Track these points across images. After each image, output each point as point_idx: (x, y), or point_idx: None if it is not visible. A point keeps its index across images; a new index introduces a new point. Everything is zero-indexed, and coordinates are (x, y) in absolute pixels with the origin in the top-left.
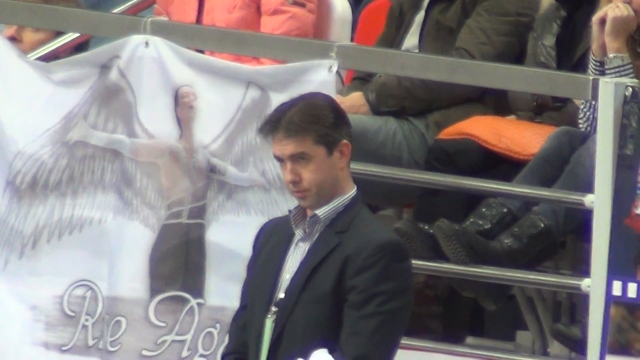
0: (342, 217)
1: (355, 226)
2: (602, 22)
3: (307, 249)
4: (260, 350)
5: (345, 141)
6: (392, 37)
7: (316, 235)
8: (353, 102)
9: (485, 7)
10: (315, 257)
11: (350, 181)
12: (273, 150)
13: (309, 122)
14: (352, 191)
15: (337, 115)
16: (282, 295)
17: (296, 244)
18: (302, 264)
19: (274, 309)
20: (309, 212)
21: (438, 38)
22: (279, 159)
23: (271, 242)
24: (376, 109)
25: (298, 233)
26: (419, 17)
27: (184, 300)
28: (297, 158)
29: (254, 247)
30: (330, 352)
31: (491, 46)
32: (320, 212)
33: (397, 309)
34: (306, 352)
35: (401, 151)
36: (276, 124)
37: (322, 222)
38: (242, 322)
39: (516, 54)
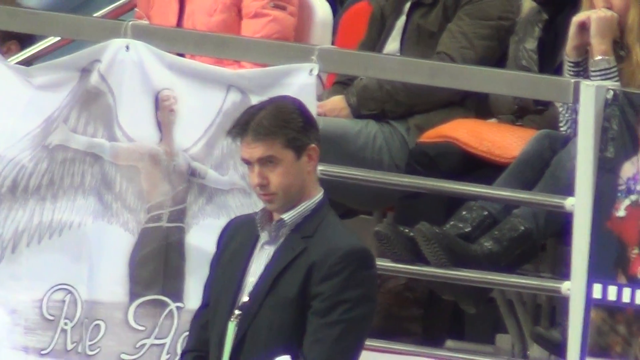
0: (308, 222)
1: (321, 231)
2: (582, 25)
3: (272, 252)
4: (222, 353)
5: (313, 145)
6: (374, 41)
7: (282, 239)
8: (334, 105)
9: (467, 11)
10: (281, 262)
11: (317, 185)
12: (241, 153)
13: (277, 126)
14: (318, 195)
15: (306, 119)
16: (246, 298)
17: (261, 247)
18: (267, 268)
19: (237, 312)
20: (275, 216)
21: (419, 42)
22: (247, 162)
23: (235, 241)
24: (357, 112)
25: (263, 236)
26: (400, 21)
27: (163, 304)
28: (265, 161)
29: (218, 243)
30: (293, 358)
31: (472, 50)
32: (287, 216)
33: (360, 316)
34: (269, 357)
35: (382, 154)
36: (245, 127)
37: (287, 227)
38: (203, 320)
39: (497, 58)
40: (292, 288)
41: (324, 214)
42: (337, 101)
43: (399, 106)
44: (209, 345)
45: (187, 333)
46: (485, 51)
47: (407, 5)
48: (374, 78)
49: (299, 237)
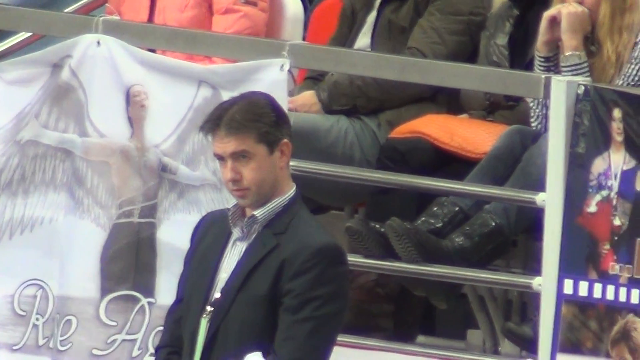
0: (280, 218)
1: (293, 228)
2: (553, 20)
3: (244, 249)
4: (195, 349)
5: (285, 140)
6: (345, 36)
7: (253, 236)
8: (305, 100)
9: (438, 7)
10: (253, 259)
11: (289, 181)
12: (214, 149)
13: (250, 120)
14: (291, 191)
15: (278, 114)
16: (217, 295)
17: (233, 243)
18: (239, 264)
19: (209, 308)
20: (247, 212)
21: (390, 37)
22: (220, 157)
23: (209, 236)
24: (328, 108)
25: (236, 232)
26: (371, 16)
27: (135, 300)
28: (238, 156)
29: (192, 239)
30: (265, 354)
31: (443, 45)
32: (258, 212)
33: (332, 313)
34: (240, 354)
35: (353, 150)
36: (217, 121)
37: (259, 223)
38: (177, 315)
39: (469, 53)
40: (264, 285)
41: (296, 210)
42: (308, 97)
43: (370, 102)
44: (183, 340)
45: (159, 328)
46: (456, 46)
47: (378, 1)
48: (345, 74)
49: (270, 234)
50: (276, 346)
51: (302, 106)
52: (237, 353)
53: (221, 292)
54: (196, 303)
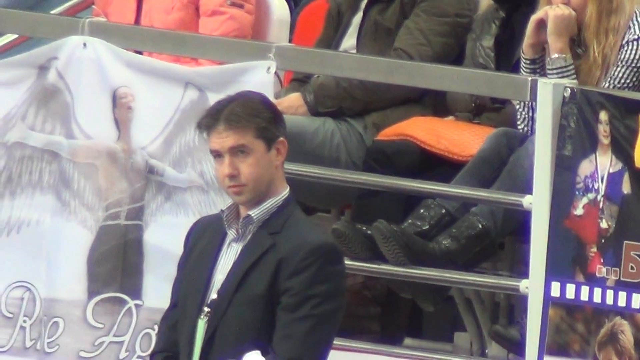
0: (276, 218)
1: (288, 227)
2: (540, 22)
3: (240, 249)
4: (193, 351)
5: (282, 139)
6: (331, 38)
7: (249, 236)
8: (291, 103)
9: (424, 8)
10: (249, 259)
11: (283, 182)
12: (211, 145)
13: (249, 114)
14: (285, 192)
15: (275, 112)
16: (214, 296)
17: (229, 244)
18: (235, 265)
19: (206, 309)
20: (242, 213)
21: (376, 39)
22: (217, 154)
23: (203, 240)
24: (314, 110)
25: (231, 233)
26: (357, 17)
27: (122, 302)
28: (237, 151)
29: (185, 245)
30: (263, 353)
31: (429, 47)
32: (254, 212)
33: (330, 311)
34: (239, 354)
35: (339, 152)
36: (216, 116)
37: (255, 223)
38: (172, 321)
39: (455, 55)
40: (261, 284)
41: (291, 210)
42: (294, 99)
43: (356, 104)
44: (179, 344)
45: (146, 330)
46: (442, 48)
47: (364, 2)
48: (331, 76)
49: (266, 234)
50: (275, 344)
51: (288, 108)
52: (235, 352)
53: (218, 293)
54: (192, 305)
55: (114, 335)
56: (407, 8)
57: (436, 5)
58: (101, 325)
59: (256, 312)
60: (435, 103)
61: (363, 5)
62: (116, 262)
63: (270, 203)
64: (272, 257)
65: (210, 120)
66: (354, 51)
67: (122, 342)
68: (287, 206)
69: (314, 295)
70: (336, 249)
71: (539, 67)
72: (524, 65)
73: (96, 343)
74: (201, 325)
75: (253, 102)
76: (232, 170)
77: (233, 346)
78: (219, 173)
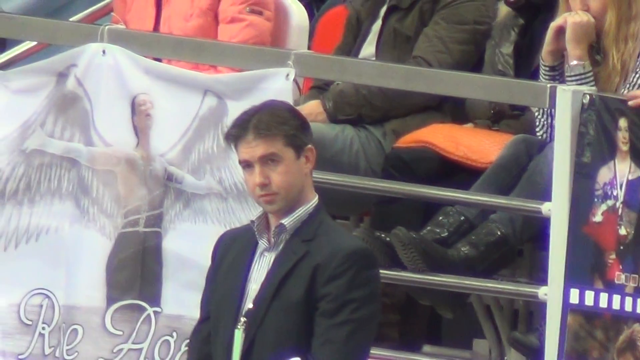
0: (307, 226)
1: (321, 234)
2: (559, 30)
3: (273, 258)
4: None
5: (310, 146)
6: (350, 45)
7: (282, 245)
8: (310, 110)
9: (443, 16)
10: (284, 267)
11: (312, 189)
12: (240, 155)
13: (278, 123)
14: (314, 199)
15: (302, 120)
16: (250, 305)
17: (261, 254)
18: (270, 273)
19: (243, 319)
20: (273, 222)
21: (395, 46)
22: (247, 164)
23: (232, 252)
24: (333, 117)
25: (262, 243)
26: (377, 25)
27: (141, 309)
28: (267, 160)
29: (213, 257)
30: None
31: (449, 54)
32: (286, 221)
33: (368, 315)
34: None
35: (358, 159)
36: (245, 125)
37: (288, 232)
38: (204, 334)
39: (474, 62)
40: (298, 291)
41: (322, 218)
42: (314, 106)
43: (375, 111)
44: (213, 357)
45: (164, 338)
46: (462, 55)
47: (383, 10)
48: (351, 83)
49: (299, 241)
50: (315, 350)
51: (307, 115)
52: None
53: (254, 302)
54: (228, 316)
55: (133, 343)
56: (426, 16)
57: (455, 13)
58: (120, 333)
59: (294, 320)
60: (454, 110)
61: (382, 13)
62: (135, 269)
63: (302, 211)
64: (307, 264)
65: (239, 130)
66: (374, 59)
67: (140, 350)
68: (318, 213)
69: (352, 300)
70: (371, 254)
71: (558, 74)
72: (543, 72)
73: (115, 350)
74: (238, 335)
75: (280, 111)
76: (263, 179)
77: (272, 354)
78: (250, 183)
